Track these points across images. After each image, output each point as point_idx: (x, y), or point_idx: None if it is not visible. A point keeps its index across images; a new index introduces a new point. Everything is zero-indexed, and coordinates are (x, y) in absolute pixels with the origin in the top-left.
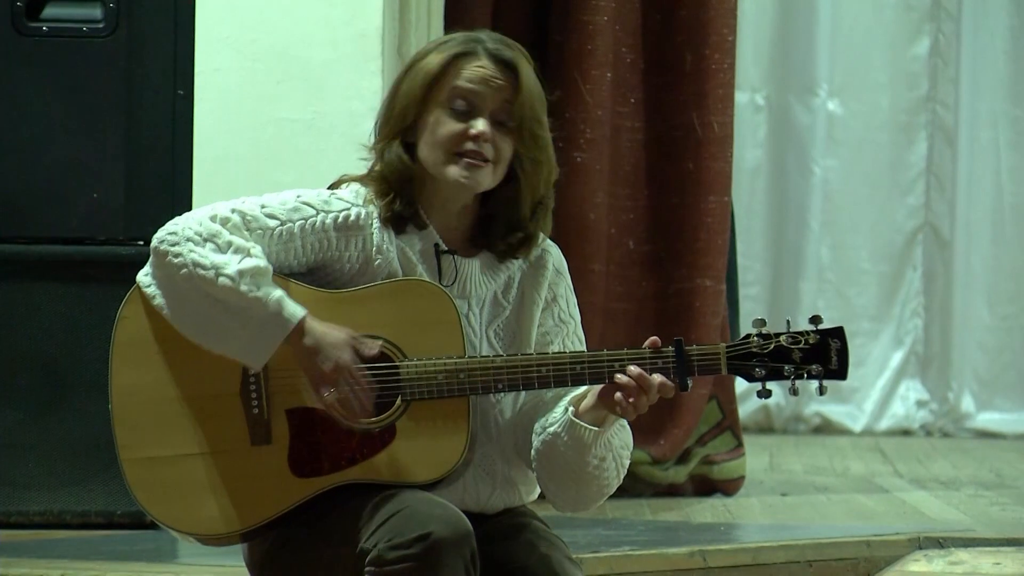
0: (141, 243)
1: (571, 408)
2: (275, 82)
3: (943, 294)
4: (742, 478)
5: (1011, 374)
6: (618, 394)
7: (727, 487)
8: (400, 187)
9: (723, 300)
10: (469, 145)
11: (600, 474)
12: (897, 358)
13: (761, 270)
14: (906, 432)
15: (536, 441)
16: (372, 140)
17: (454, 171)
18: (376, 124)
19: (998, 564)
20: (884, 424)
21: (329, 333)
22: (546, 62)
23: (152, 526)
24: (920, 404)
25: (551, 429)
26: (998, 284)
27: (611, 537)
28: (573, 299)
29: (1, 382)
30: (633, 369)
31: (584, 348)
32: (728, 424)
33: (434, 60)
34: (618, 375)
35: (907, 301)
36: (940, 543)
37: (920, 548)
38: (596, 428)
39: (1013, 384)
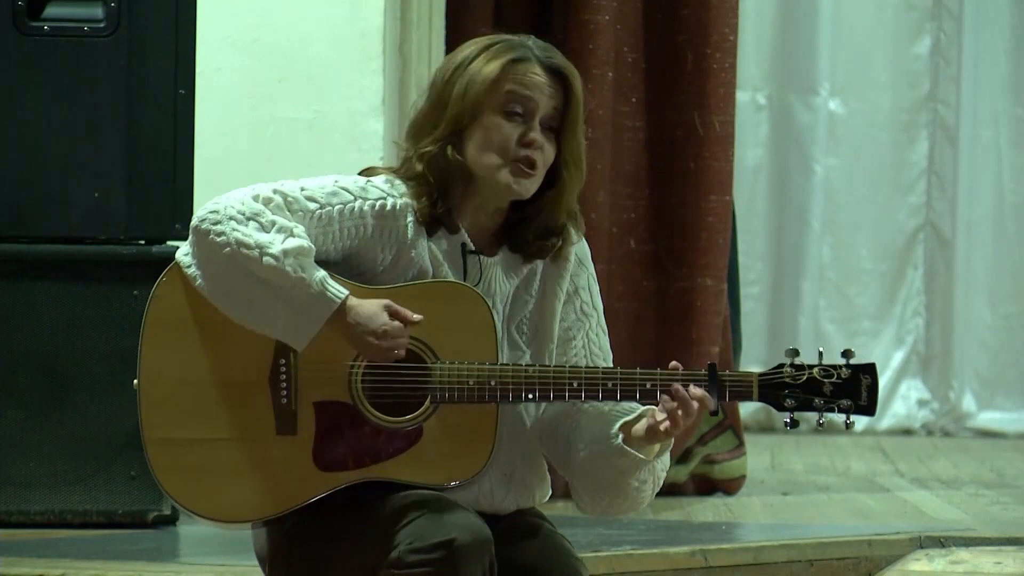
0: (142, 243)
1: (621, 435)
2: (276, 81)
3: (944, 293)
4: (743, 477)
5: (1012, 373)
6: (663, 415)
7: (728, 486)
8: (445, 190)
9: (724, 299)
10: (522, 152)
11: (638, 494)
12: (898, 357)
13: (762, 269)
14: (907, 431)
15: (579, 454)
16: (411, 141)
17: (505, 176)
18: (416, 125)
19: (999, 563)
20: (885, 423)
21: (365, 304)
22: None
23: (153, 525)
24: (921, 403)
25: (597, 448)
26: (999, 283)
27: (612, 536)
28: (596, 289)
29: (2, 382)
30: (680, 390)
31: (607, 339)
32: (729, 423)
33: (491, 66)
34: (666, 395)
35: (908, 300)
36: (941, 542)
37: (921, 547)
38: (645, 457)
39: (1014, 383)
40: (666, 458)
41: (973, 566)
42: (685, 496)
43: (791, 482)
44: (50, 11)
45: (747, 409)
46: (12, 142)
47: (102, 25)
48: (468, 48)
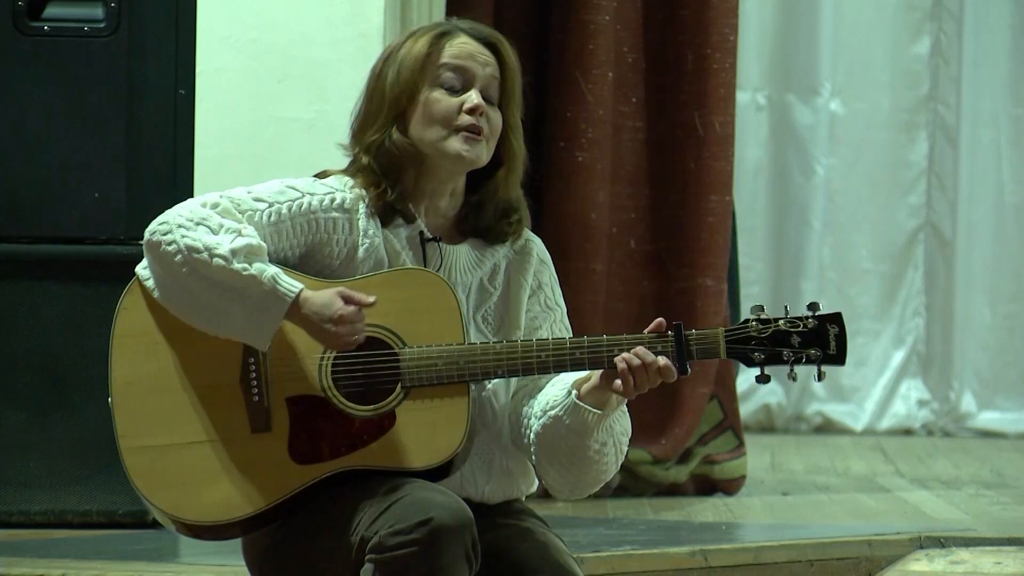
0: (142, 242)
1: (574, 391)
2: (276, 81)
3: (944, 293)
4: (743, 477)
5: (1012, 373)
6: (622, 367)
7: (728, 486)
8: (396, 177)
9: (724, 299)
10: (466, 119)
11: (600, 459)
12: (898, 357)
13: (762, 269)
14: (907, 431)
15: (536, 424)
16: (356, 139)
17: (454, 145)
18: (357, 120)
19: (999, 563)
20: (885, 423)
21: (319, 294)
22: (547, 61)
23: (153, 525)
24: (921, 403)
25: (552, 412)
26: (999, 283)
27: (612, 536)
28: (558, 288)
29: (2, 382)
30: (639, 350)
31: (571, 336)
32: (729, 424)
33: (418, 44)
34: (622, 356)
35: (908, 300)
36: (941, 542)
37: (921, 547)
38: (599, 411)
39: (1014, 383)
40: (626, 422)
41: (973, 566)
42: (685, 496)
43: (791, 482)
44: (50, 11)
45: (747, 409)
46: (12, 142)
47: (102, 25)
48: (394, 42)
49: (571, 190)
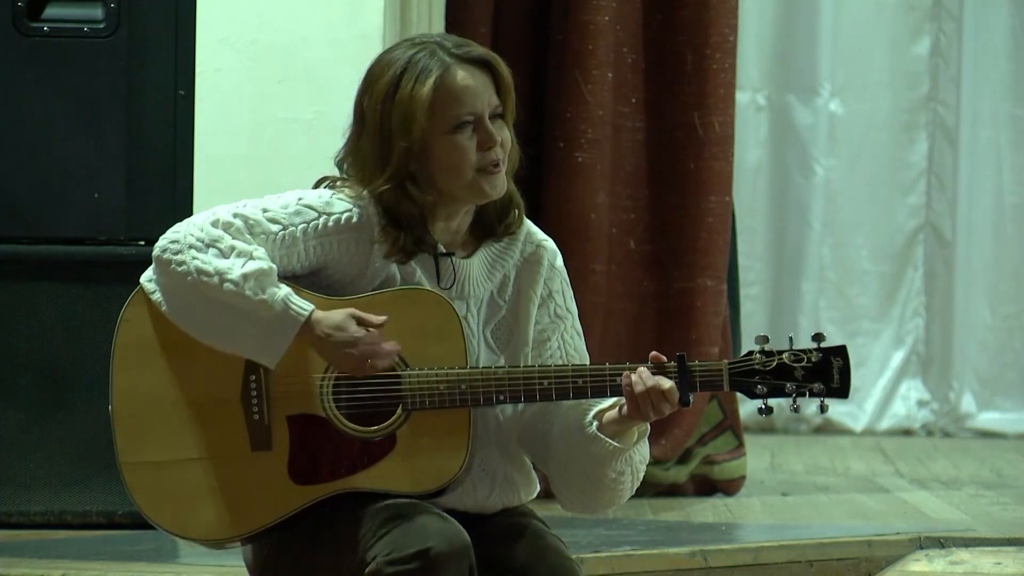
0: (142, 243)
1: (595, 423)
2: (276, 82)
3: (944, 294)
4: (743, 478)
5: (1012, 374)
6: (625, 382)
7: (728, 487)
8: (412, 219)
9: (724, 300)
10: (487, 157)
11: (616, 486)
12: (898, 358)
13: (762, 270)
14: (907, 432)
15: (555, 445)
16: (359, 180)
17: (478, 186)
18: (360, 162)
19: (999, 564)
20: (885, 424)
21: (331, 315)
22: (547, 62)
23: (153, 527)
24: (921, 404)
25: (573, 439)
26: (999, 284)
27: (612, 537)
28: (570, 293)
29: (2, 382)
30: (643, 372)
31: (583, 341)
32: (729, 424)
33: (421, 90)
34: (626, 375)
35: (908, 301)
36: (941, 543)
37: (921, 548)
38: (619, 445)
39: (1014, 384)
40: (645, 451)
41: (973, 566)
42: (685, 496)
43: (791, 482)
44: (50, 11)
45: (747, 410)
46: (12, 142)
47: (102, 25)
48: (387, 72)
49: (571, 190)
